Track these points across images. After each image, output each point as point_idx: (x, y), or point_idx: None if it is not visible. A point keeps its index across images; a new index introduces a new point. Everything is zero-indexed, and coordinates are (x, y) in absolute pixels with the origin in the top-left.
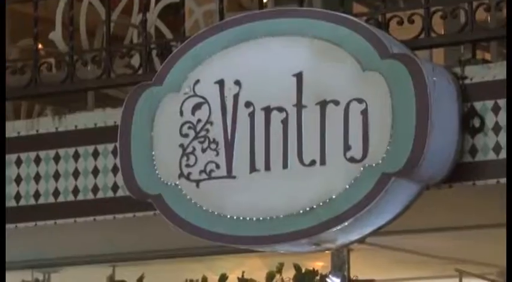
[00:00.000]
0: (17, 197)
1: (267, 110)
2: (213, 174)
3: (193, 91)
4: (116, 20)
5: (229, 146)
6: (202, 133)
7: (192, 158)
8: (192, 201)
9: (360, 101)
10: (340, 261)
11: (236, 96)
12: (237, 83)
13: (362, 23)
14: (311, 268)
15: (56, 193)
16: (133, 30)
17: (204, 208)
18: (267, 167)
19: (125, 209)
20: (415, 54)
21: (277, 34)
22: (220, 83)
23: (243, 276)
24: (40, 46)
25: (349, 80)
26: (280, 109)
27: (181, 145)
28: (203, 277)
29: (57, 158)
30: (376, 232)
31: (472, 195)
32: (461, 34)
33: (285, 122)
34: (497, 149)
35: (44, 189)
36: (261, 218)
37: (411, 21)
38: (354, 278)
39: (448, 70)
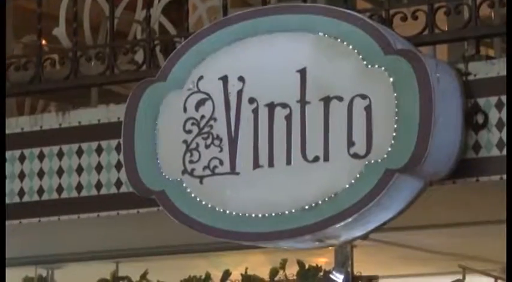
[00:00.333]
0: (21, 193)
1: (271, 106)
2: (217, 171)
3: (197, 87)
4: (119, 16)
5: (233, 142)
6: (206, 129)
7: (195, 154)
8: (196, 198)
9: (363, 97)
10: (344, 258)
11: (240, 92)
12: (241, 79)
13: (366, 19)
14: (314, 264)
15: (60, 189)
16: (137, 26)
17: (208, 204)
18: (271, 163)
19: (129, 205)
20: (418, 50)
21: (281, 30)
22: (224, 79)
23: (246, 272)
24: (44, 42)
25: (353, 76)
26: (284, 105)
27: (185, 141)
28: (206, 273)
29: (60, 154)
30: (379, 228)
31: (476, 191)
32: (465, 30)
33: (288, 118)
34: (500, 145)
35: (47, 185)
36: (264, 214)
37: (415, 18)
38: (357, 274)
39: (451, 66)
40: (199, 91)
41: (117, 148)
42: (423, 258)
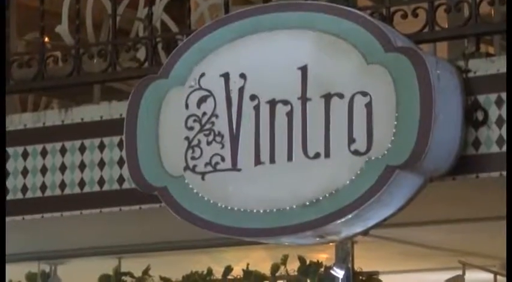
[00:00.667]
0: (24, 189)
1: (272, 103)
2: (218, 167)
3: (199, 84)
4: (121, 13)
5: (235, 138)
6: (208, 126)
7: (197, 151)
8: (198, 194)
9: (364, 94)
10: (344, 253)
11: (241, 89)
12: (242, 76)
13: (366, 17)
14: (315, 260)
15: (62, 185)
16: (139, 24)
17: (209, 200)
18: (272, 160)
19: (131, 201)
20: (419, 47)
21: (282, 27)
22: (226, 76)
23: (247, 268)
24: (46, 39)
25: (354, 73)
26: (285, 102)
27: (187, 138)
28: (208, 269)
29: (63, 151)
30: (380, 224)
31: (475, 187)
32: (465, 28)
33: (289, 115)
34: (500, 141)
35: (50, 181)
36: (265, 210)
37: (415, 15)
38: (358, 270)
39: (451, 63)
40: (201, 88)
41: (120, 145)
42: (423, 254)
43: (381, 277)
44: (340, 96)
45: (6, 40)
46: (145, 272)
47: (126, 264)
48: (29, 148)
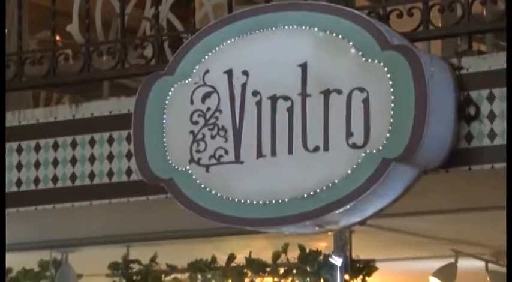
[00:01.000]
0: (36, 181)
1: (273, 99)
2: (222, 160)
3: (203, 80)
4: (129, 13)
5: (237, 132)
6: (212, 121)
7: (202, 144)
8: (202, 185)
9: (361, 90)
10: (342, 242)
11: (244, 86)
12: (245, 73)
13: (364, 16)
14: (315, 248)
15: (73, 177)
16: (146, 23)
17: (213, 191)
18: (273, 153)
19: (139, 192)
20: (414, 45)
21: (283, 26)
22: (229, 73)
23: (250, 256)
24: (58, 38)
25: (351, 70)
26: (286, 98)
27: (192, 132)
28: (212, 257)
29: (74, 144)
30: (376, 214)
31: (468, 179)
32: (458, 26)
33: (290, 110)
34: (492, 135)
35: (61, 173)
36: (267, 201)
37: (410, 15)
38: (355, 258)
39: (445, 61)
40: (205, 84)
41: (128, 138)
42: (418, 242)
43: (377, 265)
44: (339, 92)
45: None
46: (153, 259)
47: (134, 252)
48: (41, 142)
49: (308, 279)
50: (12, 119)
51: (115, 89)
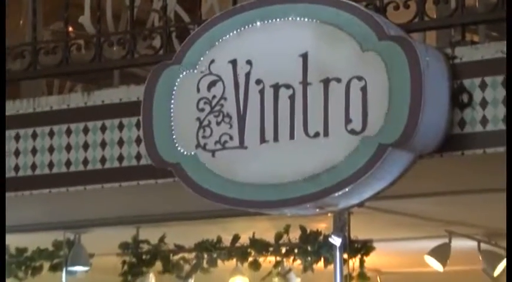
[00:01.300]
0: (50, 165)
1: (276, 87)
2: (227, 145)
3: (209, 70)
4: (139, 5)
5: (242, 119)
6: (217, 108)
7: (207, 130)
8: (208, 169)
9: (359, 78)
10: (342, 223)
11: (248, 75)
12: (249, 62)
13: (362, 8)
14: (315, 229)
15: (85, 162)
16: (155, 15)
17: (219, 175)
18: (276, 138)
19: (148, 176)
20: (410, 36)
21: (285, 18)
22: (233, 62)
23: (253, 236)
24: (70, 29)
25: (350, 59)
26: (288, 86)
27: (198, 119)
28: (218, 237)
29: (86, 130)
30: (374, 197)
31: (461, 163)
32: (452, 18)
33: (291, 98)
34: (484, 121)
35: (74, 158)
36: (269, 184)
37: (406, 7)
38: (354, 238)
39: (439, 51)
40: (211, 73)
41: (137, 125)
42: (413, 223)
43: (374, 245)
44: (338, 80)
45: (33, 29)
46: (161, 239)
47: (143, 233)
48: (55, 128)
49: (309, 258)
50: (27, 106)
51: (125, 78)
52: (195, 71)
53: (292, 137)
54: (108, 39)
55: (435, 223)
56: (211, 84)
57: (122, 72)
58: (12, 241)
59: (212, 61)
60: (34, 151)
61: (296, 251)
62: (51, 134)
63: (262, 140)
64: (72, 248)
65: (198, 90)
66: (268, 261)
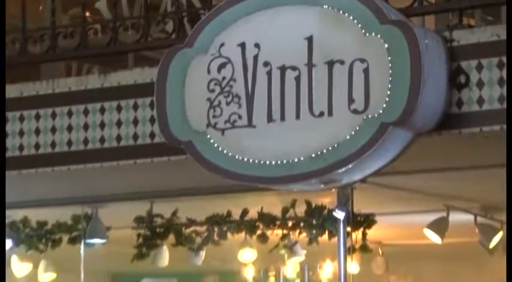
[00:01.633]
0: (69, 143)
1: (282, 69)
2: (236, 124)
3: (219, 52)
4: None
5: (250, 99)
6: (227, 89)
7: (218, 110)
8: (218, 147)
9: (362, 60)
10: (345, 198)
11: (256, 57)
12: (257, 45)
13: None
14: (320, 204)
15: (102, 140)
16: (168, 0)
17: (228, 153)
18: (282, 118)
19: (161, 153)
20: (409, 20)
21: (292, 3)
22: (242, 45)
23: (261, 210)
24: (88, 14)
25: (353, 42)
26: (294, 68)
27: (209, 99)
28: (228, 211)
29: (102, 110)
30: (376, 173)
31: (458, 141)
32: (450, 3)
33: (297, 79)
34: (480, 101)
35: (91, 136)
36: (277, 161)
37: None
38: (357, 212)
39: (438, 34)
40: (221, 56)
41: (151, 105)
42: (413, 198)
43: (376, 218)
44: (341, 62)
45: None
46: (174, 214)
47: (157, 208)
48: (73, 108)
49: (314, 231)
50: (46, 87)
51: (139, 61)
52: (206, 54)
53: (298, 116)
54: (123, 23)
55: (434, 198)
56: (221, 66)
57: (136, 55)
58: (33, 215)
59: (222, 44)
60: (53, 130)
61: (302, 224)
62: (70, 113)
63: (270, 119)
64: (89, 222)
65: (209, 72)
66: (275, 234)
